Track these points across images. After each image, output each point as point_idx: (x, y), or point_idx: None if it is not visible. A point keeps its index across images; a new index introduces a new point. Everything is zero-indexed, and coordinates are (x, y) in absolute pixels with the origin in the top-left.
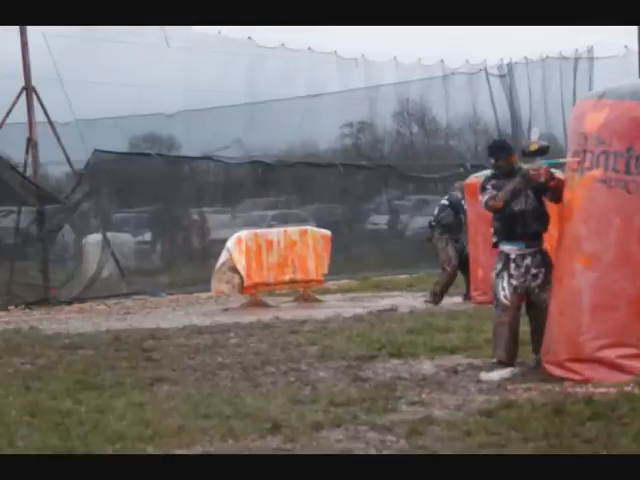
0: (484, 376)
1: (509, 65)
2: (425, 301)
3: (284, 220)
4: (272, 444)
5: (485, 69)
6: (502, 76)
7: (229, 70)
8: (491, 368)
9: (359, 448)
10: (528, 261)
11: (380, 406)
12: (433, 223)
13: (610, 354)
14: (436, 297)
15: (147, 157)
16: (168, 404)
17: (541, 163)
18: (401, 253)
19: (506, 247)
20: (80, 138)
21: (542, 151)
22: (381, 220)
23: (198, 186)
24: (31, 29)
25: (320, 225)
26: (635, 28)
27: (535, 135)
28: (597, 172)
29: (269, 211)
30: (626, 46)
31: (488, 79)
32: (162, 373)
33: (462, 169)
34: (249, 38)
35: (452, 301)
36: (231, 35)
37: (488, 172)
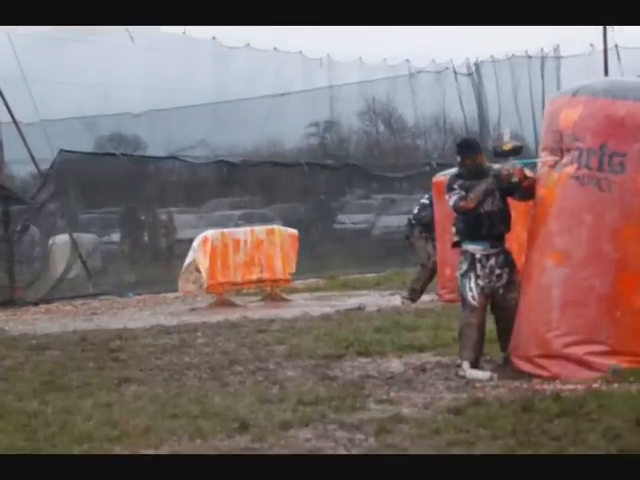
0: (469, 373)
1: (476, 64)
2: (403, 297)
3: (250, 220)
4: (240, 443)
5: (452, 67)
6: (469, 74)
7: (194, 69)
8: (466, 367)
9: (328, 447)
10: (492, 261)
11: (348, 405)
12: (413, 221)
13: (578, 351)
14: (415, 294)
15: (112, 157)
16: (135, 404)
17: (514, 163)
18: (368, 252)
19: (471, 247)
20: (45, 138)
21: (515, 151)
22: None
23: (164, 186)
24: None
25: (286, 224)
26: (600, 26)
27: (507, 135)
28: (570, 169)
29: (236, 211)
30: (592, 44)
31: (456, 77)
32: (129, 373)
33: (428, 168)
34: (214, 38)
35: (420, 299)
36: (196, 35)
37: (454, 170)
